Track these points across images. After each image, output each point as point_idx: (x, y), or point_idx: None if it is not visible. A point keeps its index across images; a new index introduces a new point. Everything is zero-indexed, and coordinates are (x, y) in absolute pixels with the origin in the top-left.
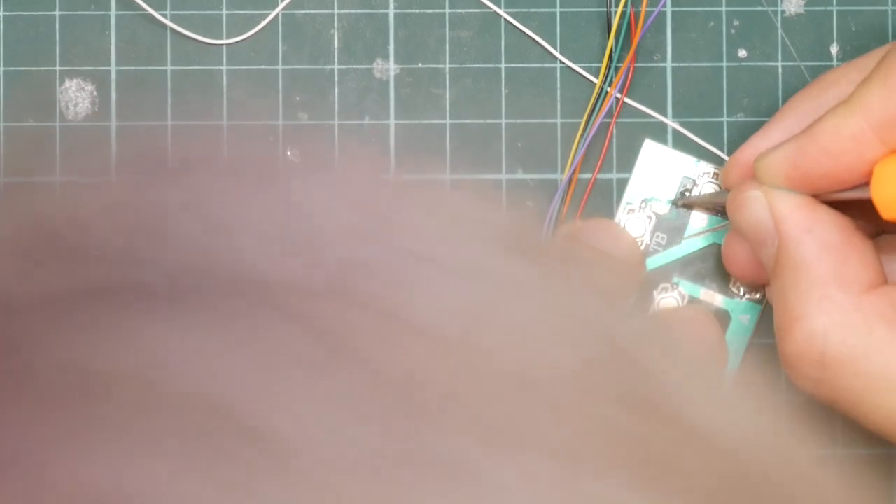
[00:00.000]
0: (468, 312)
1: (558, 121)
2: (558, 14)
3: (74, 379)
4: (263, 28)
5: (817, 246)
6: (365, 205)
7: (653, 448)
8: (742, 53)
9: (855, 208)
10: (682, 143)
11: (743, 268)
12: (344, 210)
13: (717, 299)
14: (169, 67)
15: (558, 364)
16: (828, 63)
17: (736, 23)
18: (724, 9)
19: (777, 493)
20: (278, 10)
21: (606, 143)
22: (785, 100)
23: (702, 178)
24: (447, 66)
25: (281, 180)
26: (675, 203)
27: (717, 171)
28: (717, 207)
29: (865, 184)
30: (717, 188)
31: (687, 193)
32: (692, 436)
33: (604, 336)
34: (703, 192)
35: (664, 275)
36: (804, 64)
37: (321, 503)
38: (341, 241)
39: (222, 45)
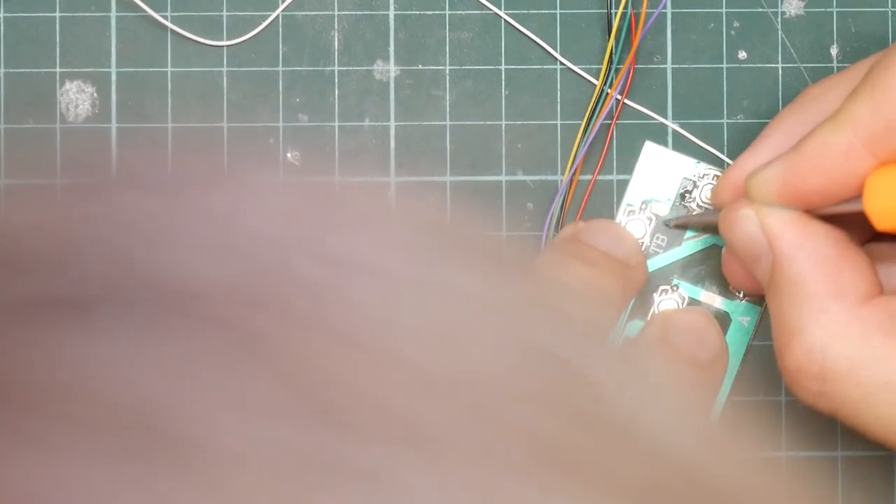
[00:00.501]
0: (390, 318)
1: (558, 122)
2: (558, 15)
3: None
4: (263, 29)
5: (811, 261)
6: (294, 212)
7: (581, 451)
8: (742, 55)
9: (848, 221)
10: (682, 145)
11: (745, 282)
12: (271, 218)
13: (717, 301)
14: (169, 69)
15: (480, 369)
16: (828, 64)
17: (736, 24)
18: (724, 10)
19: (717, 495)
20: (278, 11)
21: (606, 145)
22: (785, 101)
23: (702, 179)
24: (447, 67)
25: (205, 190)
26: (667, 225)
27: (717, 173)
28: (710, 227)
29: (857, 197)
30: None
31: (687, 195)
32: (627, 440)
33: (532, 341)
34: (700, 197)
35: (664, 276)
36: (804, 65)
37: None
38: (266, 249)
39: (222, 46)
